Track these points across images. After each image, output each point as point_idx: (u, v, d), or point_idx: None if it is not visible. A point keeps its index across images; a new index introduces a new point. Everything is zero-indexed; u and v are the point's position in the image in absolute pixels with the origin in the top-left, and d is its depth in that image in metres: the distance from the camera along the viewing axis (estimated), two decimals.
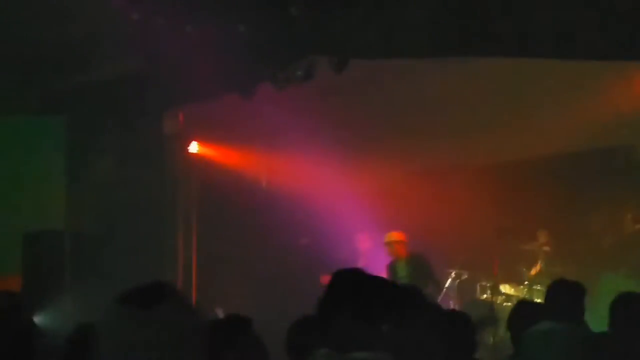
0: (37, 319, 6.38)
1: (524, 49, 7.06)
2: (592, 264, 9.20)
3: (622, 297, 4.23)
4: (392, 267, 9.30)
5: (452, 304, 9.70)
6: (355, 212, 10.24)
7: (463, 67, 8.25)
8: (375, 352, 2.70)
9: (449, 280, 9.88)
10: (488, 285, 9.54)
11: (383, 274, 8.87)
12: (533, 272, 9.50)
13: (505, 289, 9.36)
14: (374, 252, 9.98)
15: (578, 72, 8.71)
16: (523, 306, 5.92)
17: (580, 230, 9.56)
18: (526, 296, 8.94)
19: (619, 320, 4.10)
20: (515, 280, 9.56)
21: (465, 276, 9.96)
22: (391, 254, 9.36)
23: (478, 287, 9.80)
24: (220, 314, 9.23)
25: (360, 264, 8.93)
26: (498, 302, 9.14)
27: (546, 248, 9.36)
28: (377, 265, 9.11)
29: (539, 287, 8.89)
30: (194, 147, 10.46)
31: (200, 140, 10.45)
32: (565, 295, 4.87)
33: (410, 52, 7.79)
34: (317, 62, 8.29)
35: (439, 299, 8.82)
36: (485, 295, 9.58)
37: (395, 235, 9.36)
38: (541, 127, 9.39)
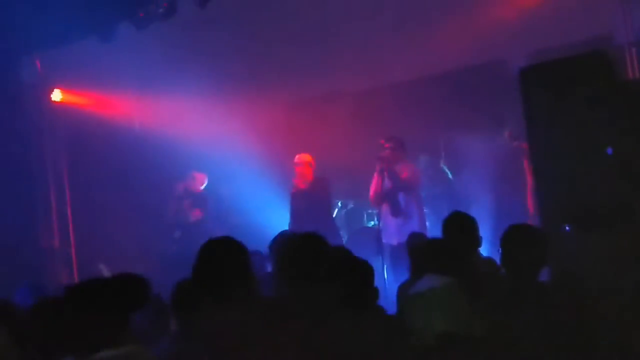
0: None
1: None
2: (472, 182, 9.29)
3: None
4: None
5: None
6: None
7: None
8: None
9: (336, 210, 9.83)
10: (375, 212, 9.55)
11: None
12: None
13: None
14: None
15: None
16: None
17: (459, 150, 9.58)
18: None
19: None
20: None
21: (351, 205, 9.93)
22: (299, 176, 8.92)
23: (365, 215, 9.78)
24: (105, 270, 8.85)
25: None
26: None
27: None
28: None
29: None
30: (56, 95, 9.77)
31: (63, 87, 9.76)
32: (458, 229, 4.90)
33: None
34: None
35: None
36: (372, 223, 9.60)
37: (304, 157, 8.96)
38: (418, 48, 9.30)
